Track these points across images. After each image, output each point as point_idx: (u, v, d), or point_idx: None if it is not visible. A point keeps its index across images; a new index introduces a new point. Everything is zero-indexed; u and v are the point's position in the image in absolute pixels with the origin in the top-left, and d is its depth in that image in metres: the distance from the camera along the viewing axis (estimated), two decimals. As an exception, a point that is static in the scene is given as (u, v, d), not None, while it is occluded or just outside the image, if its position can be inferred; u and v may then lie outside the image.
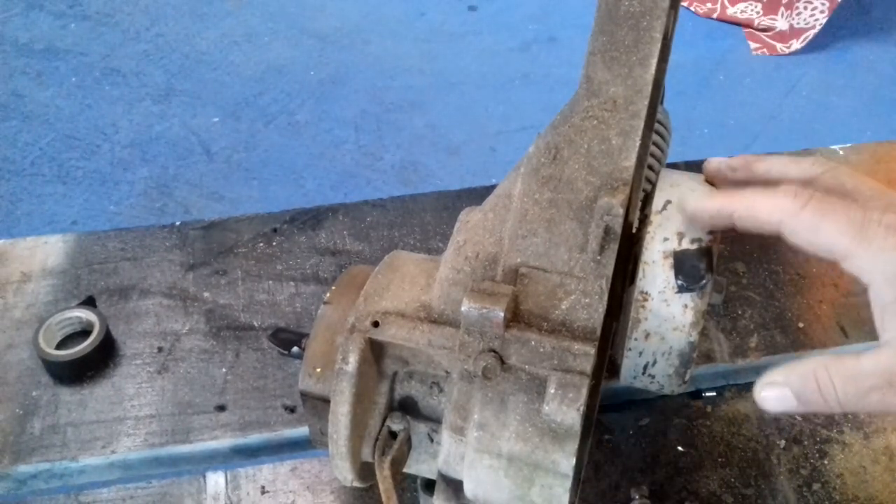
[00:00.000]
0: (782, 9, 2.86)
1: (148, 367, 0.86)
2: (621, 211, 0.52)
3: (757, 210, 0.51)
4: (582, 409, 0.50)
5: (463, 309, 0.53)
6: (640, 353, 0.66)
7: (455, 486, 0.59)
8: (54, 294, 0.93)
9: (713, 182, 0.58)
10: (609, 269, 0.53)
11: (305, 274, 0.96)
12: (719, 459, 0.79)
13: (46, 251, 0.97)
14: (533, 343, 0.52)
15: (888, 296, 0.47)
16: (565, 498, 0.54)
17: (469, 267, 0.56)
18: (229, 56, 2.85)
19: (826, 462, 0.79)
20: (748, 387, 0.85)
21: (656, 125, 0.72)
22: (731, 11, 2.97)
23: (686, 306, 0.63)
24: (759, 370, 0.87)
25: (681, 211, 0.55)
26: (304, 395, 0.62)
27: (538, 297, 0.54)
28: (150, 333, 0.89)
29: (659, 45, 0.55)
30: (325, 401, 0.60)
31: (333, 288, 0.65)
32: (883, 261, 0.46)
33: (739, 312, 0.91)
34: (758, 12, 2.93)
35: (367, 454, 0.60)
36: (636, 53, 0.55)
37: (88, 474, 0.80)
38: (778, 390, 0.51)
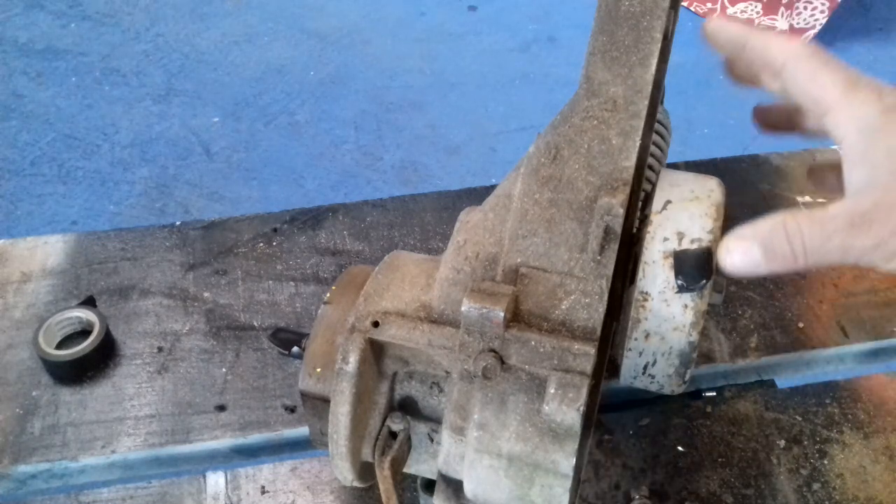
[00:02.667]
0: (782, 9, 2.86)
1: (148, 367, 0.86)
2: (621, 211, 0.51)
3: (770, 46, 0.54)
4: (582, 409, 0.50)
5: (463, 309, 0.53)
6: (640, 353, 0.66)
7: (455, 486, 0.59)
8: (54, 294, 0.93)
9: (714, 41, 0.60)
10: (609, 269, 0.53)
11: (305, 274, 0.96)
12: (719, 459, 0.79)
13: (46, 251, 0.97)
14: (533, 343, 0.52)
15: (858, 147, 0.50)
16: (565, 498, 0.54)
17: (469, 267, 0.56)
18: (229, 56, 2.85)
19: (826, 462, 0.79)
20: (748, 387, 0.85)
21: (656, 125, 0.72)
22: (732, 11, 2.97)
23: (686, 306, 0.63)
24: (759, 370, 0.88)
25: (702, 28, 0.58)
26: (304, 395, 0.62)
27: (538, 297, 0.54)
28: (150, 333, 0.89)
29: (659, 45, 0.55)
30: (325, 401, 0.60)
31: (333, 288, 0.65)
32: (862, 113, 0.50)
33: (739, 312, 0.91)
34: (758, 12, 2.93)
35: (367, 454, 0.60)
36: (636, 53, 0.55)
37: (88, 474, 0.80)
38: (745, 244, 0.51)
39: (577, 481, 0.57)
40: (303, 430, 0.81)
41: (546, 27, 3.00)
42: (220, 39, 2.92)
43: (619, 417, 0.82)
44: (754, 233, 0.51)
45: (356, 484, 0.63)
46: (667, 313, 0.64)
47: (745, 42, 0.55)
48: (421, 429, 0.60)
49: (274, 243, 0.99)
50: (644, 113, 0.54)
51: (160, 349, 0.88)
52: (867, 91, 0.50)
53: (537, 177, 0.55)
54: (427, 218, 1.02)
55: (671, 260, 0.62)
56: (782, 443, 0.80)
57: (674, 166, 0.94)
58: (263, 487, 0.77)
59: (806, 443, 0.80)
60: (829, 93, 0.51)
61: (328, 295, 0.64)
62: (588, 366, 0.51)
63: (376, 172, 2.45)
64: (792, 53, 0.53)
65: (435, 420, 0.60)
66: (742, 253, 0.51)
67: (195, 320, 0.91)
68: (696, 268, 0.57)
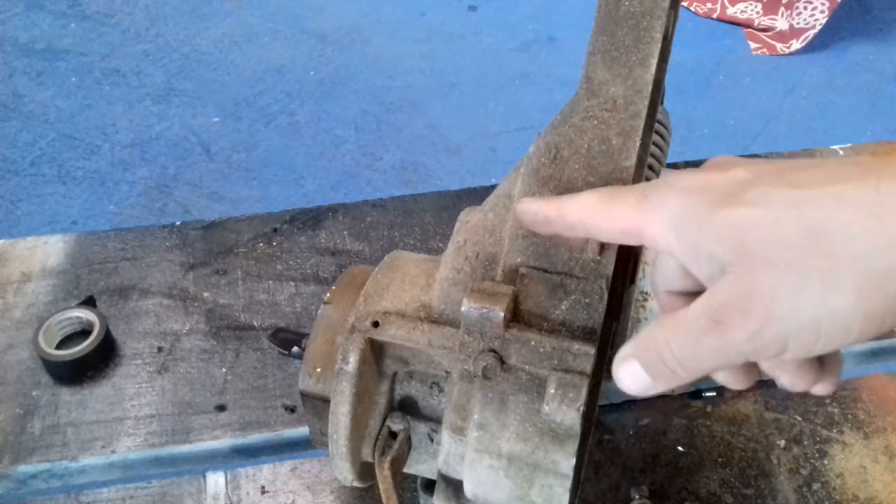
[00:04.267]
0: (782, 9, 2.86)
1: (148, 367, 0.86)
2: (621, 211, 0.51)
3: (565, 212, 0.49)
4: (582, 409, 0.50)
5: (463, 309, 0.53)
6: (640, 353, 0.66)
7: (455, 486, 0.59)
8: (54, 294, 0.93)
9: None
10: (609, 269, 0.53)
11: (305, 274, 0.96)
12: (719, 459, 0.79)
13: (46, 251, 0.97)
14: (533, 343, 0.52)
15: (684, 244, 0.43)
16: (565, 498, 0.54)
17: (469, 267, 0.56)
18: (229, 56, 2.85)
19: (826, 462, 0.79)
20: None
21: (656, 125, 0.72)
22: (731, 11, 2.97)
23: (686, 306, 0.63)
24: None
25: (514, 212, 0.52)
26: (304, 395, 0.62)
27: (538, 297, 0.54)
28: (150, 333, 0.89)
29: (659, 45, 0.55)
30: (325, 401, 0.60)
31: (333, 288, 0.65)
32: (665, 216, 0.43)
33: (739, 312, 0.91)
34: (758, 12, 2.93)
35: (367, 454, 0.60)
36: (636, 53, 0.55)
37: (88, 474, 0.80)
38: (629, 365, 0.46)
39: (578, 481, 0.57)
40: (303, 430, 0.81)
41: (546, 27, 3.00)
42: (220, 39, 2.92)
43: (619, 417, 0.82)
44: (634, 349, 0.46)
45: (356, 484, 0.63)
46: (667, 313, 0.64)
47: (545, 218, 0.49)
48: (421, 429, 0.60)
49: (274, 243, 0.99)
50: (644, 113, 0.54)
51: (160, 349, 0.88)
52: (655, 191, 0.45)
53: (537, 177, 0.55)
54: (427, 218, 1.02)
55: (671, 260, 0.62)
56: (782, 443, 0.80)
57: (674, 166, 0.94)
58: (263, 487, 0.77)
59: (806, 443, 0.80)
60: (629, 216, 0.45)
61: (328, 295, 0.64)
62: (588, 366, 0.51)
63: (376, 172, 2.45)
64: (585, 207, 0.48)
65: (435, 420, 0.60)
66: (630, 376, 0.46)
67: (195, 320, 0.91)
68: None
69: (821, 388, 0.49)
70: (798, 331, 0.40)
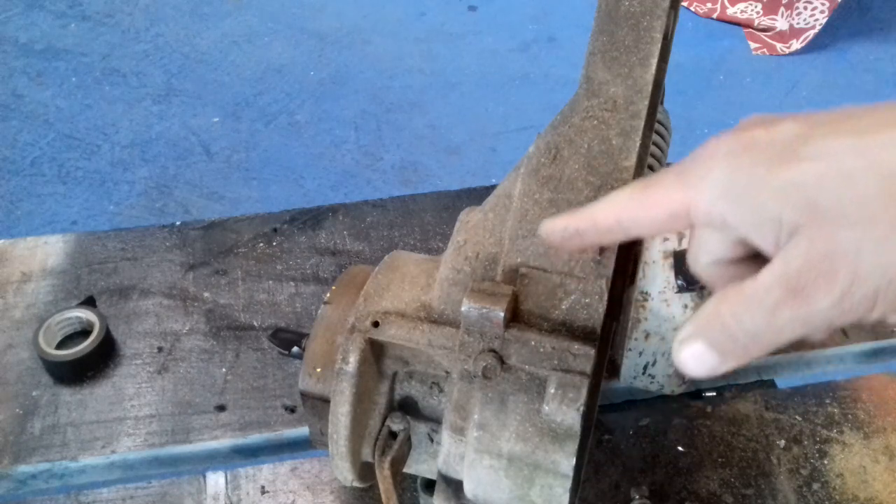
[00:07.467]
0: (782, 9, 2.86)
1: (148, 367, 0.86)
2: (621, 211, 0.51)
3: (598, 217, 0.46)
4: (582, 409, 0.50)
5: (463, 309, 0.53)
6: (640, 353, 0.67)
7: (455, 486, 0.59)
8: (54, 294, 0.93)
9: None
10: (609, 270, 0.53)
11: (305, 274, 0.96)
12: (719, 459, 0.79)
13: (46, 251, 0.97)
14: (533, 343, 0.52)
15: (743, 209, 0.40)
16: (565, 498, 0.54)
17: (469, 267, 0.56)
18: (229, 56, 2.85)
19: (826, 462, 0.79)
20: (748, 387, 0.85)
21: (656, 125, 0.72)
22: (731, 11, 2.97)
23: (686, 306, 0.64)
24: (759, 370, 0.87)
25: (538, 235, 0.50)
26: (304, 395, 0.62)
27: (538, 297, 0.54)
28: (150, 333, 0.89)
29: (659, 45, 0.55)
30: (325, 401, 0.60)
31: (333, 288, 0.65)
32: (710, 185, 0.40)
33: (739, 312, 0.91)
34: (758, 12, 2.93)
35: (367, 454, 0.60)
36: (636, 53, 0.55)
37: (88, 474, 0.80)
38: (692, 346, 0.42)
39: (578, 481, 0.57)
40: (303, 430, 0.81)
41: (546, 27, 3.00)
42: (220, 39, 2.92)
43: (619, 417, 0.82)
44: (696, 328, 0.42)
45: (356, 484, 0.63)
46: (667, 313, 0.64)
47: (575, 230, 0.47)
48: (421, 429, 0.60)
49: (274, 243, 0.99)
50: (644, 113, 0.54)
51: (160, 349, 0.88)
52: (691, 167, 0.42)
53: (537, 177, 0.55)
54: (427, 218, 1.02)
55: (671, 260, 0.62)
56: (782, 443, 0.80)
57: (674, 166, 0.94)
58: (263, 487, 0.77)
59: (806, 443, 0.80)
60: (672, 200, 0.42)
61: (328, 295, 0.64)
62: (588, 366, 0.51)
63: (376, 172, 2.45)
64: (618, 205, 0.45)
65: (435, 420, 0.60)
66: (694, 358, 0.42)
67: (195, 320, 0.91)
68: (696, 268, 0.57)
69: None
70: (888, 286, 0.37)
